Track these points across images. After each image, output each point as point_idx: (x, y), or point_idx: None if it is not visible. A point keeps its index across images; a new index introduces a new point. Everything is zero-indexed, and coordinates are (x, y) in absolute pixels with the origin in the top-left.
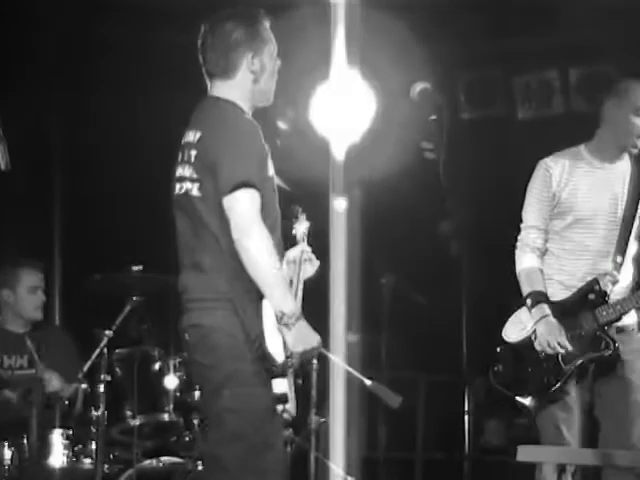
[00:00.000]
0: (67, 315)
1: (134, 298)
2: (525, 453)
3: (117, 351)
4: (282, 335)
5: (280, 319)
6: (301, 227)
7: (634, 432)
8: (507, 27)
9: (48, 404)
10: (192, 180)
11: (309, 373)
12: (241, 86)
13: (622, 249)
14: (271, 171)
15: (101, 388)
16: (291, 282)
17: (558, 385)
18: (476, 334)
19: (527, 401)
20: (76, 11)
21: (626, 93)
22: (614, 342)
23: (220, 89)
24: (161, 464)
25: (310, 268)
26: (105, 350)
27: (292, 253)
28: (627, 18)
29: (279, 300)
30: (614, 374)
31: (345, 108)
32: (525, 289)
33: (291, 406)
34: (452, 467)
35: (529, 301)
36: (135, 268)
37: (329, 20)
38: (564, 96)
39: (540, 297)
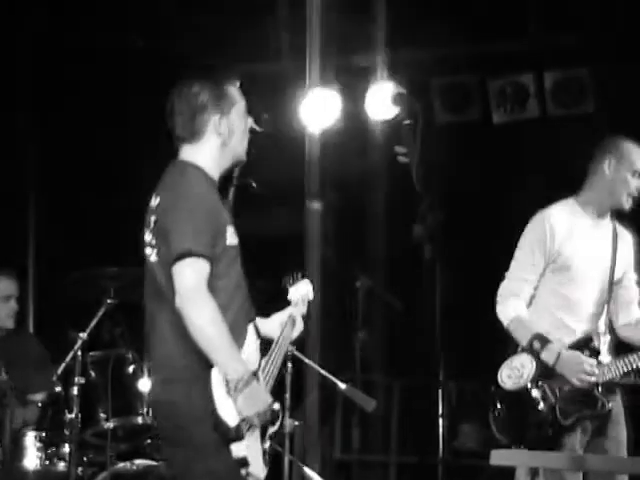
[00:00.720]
0: (41, 317)
1: (108, 301)
2: (498, 457)
3: (91, 354)
4: (233, 399)
5: (227, 384)
6: (297, 292)
7: None
8: (482, 31)
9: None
10: (152, 246)
11: (283, 377)
12: (209, 149)
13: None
14: (231, 240)
15: (75, 391)
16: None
17: (554, 438)
18: (450, 337)
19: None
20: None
21: (625, 155)
22: (609, 402)
23: (188, 153)
24: (135, 467)
25: (295, 332)
26: (79, 352)
27: (279, 316)
28: (601, 22)
29: (224, 367)
30: (601, 429)
31: (318, 110)
32: (523, 334)
33: (257, 469)
34: (426, 470)
35: (536, 344)
36: (111, 270)
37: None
38: (539, 100)
39: (544, 338)
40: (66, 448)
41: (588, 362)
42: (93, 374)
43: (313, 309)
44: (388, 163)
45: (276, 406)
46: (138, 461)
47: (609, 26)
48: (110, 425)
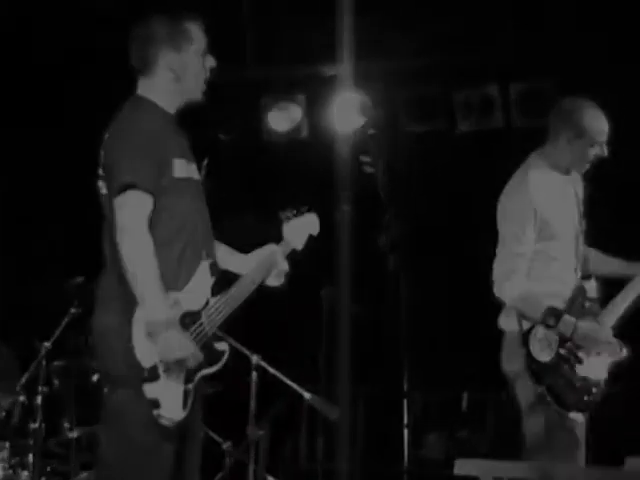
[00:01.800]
0: (5, 326)
1: (72, 310)
2: (462, 467)
3: (55, 363)
4: (152, 341)
5: (148, 325)
6: (295, 227)
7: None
8: (447, 42)
9: None
10: (102, 179)
11: (249, 385)
12: (160, 84)
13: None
14: (181, 172)
15: (39, 400)
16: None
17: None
18: (415, 348)
19: (579, 417)
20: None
21: (586, 130)
22: (624, 345)
23: (142, 87)
24: None
25: (274, 274)
26: (43, 362)
27: (259, 254)
28: (566, 33)
29: (148, 307)
30: None
31: (284, 118)
32: (533, 310)
33: (171, 411)
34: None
35: (551, 321)
36: (76, 279)
37: None
38: (504, 111)
39: (557, 312)
40: (30, 458)
41: (604, 333)
42: (57, 383)
43: (278, 320)
44: (353, 172)
45: (221, 346)
46: None
47: (574, 37)
48: (74, 434)
